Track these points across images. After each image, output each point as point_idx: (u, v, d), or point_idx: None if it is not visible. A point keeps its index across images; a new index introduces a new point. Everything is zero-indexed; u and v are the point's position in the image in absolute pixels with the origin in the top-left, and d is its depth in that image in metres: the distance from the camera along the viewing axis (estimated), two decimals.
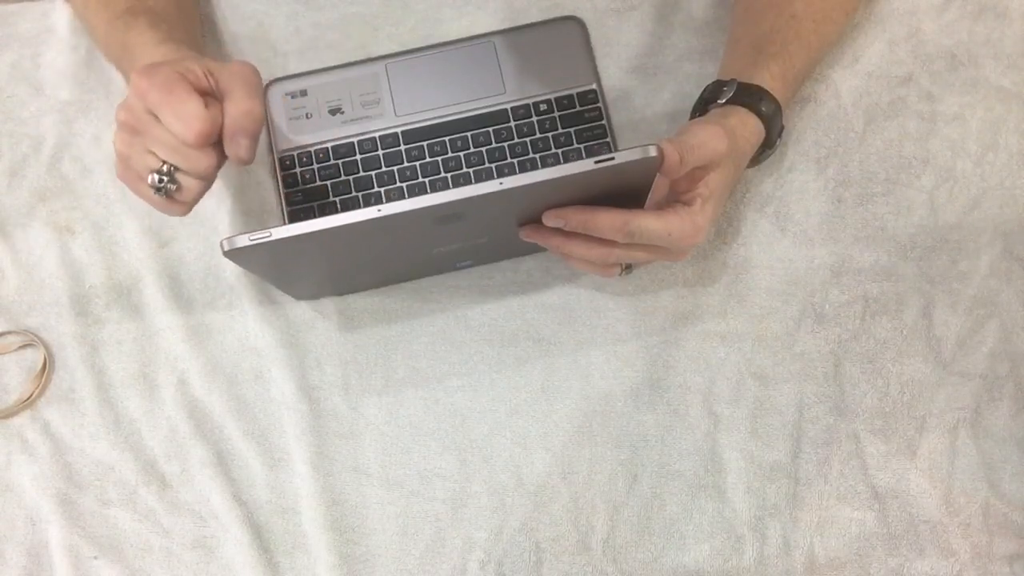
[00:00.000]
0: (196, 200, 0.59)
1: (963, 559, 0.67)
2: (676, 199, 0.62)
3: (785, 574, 0.67)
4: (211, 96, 0.58)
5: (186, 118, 0.54)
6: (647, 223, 0.59)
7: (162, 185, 0.57)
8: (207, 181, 0.59)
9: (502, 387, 0.71)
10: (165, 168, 0.57)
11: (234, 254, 0.53)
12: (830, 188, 0.74)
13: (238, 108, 0.57)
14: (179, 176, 0.57)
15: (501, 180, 0.52)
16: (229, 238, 0.52)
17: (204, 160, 0.56)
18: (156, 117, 0.56)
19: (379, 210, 0.51)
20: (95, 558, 0.68)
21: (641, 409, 0.70)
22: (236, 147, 0.57)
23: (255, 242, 0.52)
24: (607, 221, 0.59)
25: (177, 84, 0.55)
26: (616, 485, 0.69)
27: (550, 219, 0.60)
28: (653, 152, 0.52)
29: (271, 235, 0.52)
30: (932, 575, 0.67)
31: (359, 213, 0.52)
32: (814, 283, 0.72)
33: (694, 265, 0.72)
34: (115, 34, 0.66)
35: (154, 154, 0.57)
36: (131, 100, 0.56)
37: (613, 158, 0.51)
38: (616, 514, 0.68)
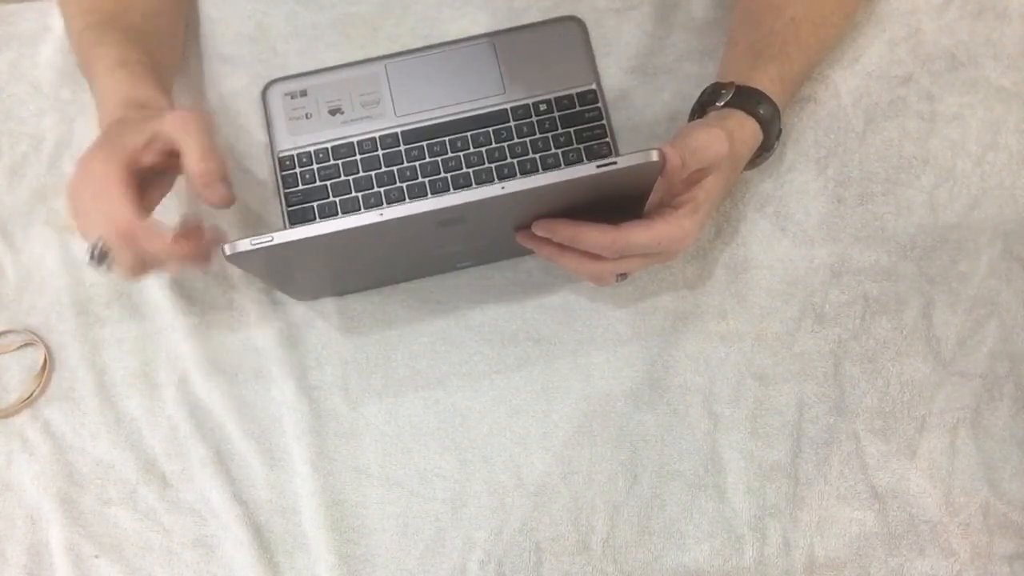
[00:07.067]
0: (133, 279, 0.61)
1: (963, 559, 0.67)
2: (668, 201, 0.62)
3: (785, 574, 0.67)
4: (160, 164, 0.59)
5: (111, 218, 0.57)
6: (635, 238, 0.59)
7: (96, 260, 0.58)
8: (136, 273, 0.60)
9: (502, 387, 0.71)
10: (100, 244, 0.58)
11: (236, 258, 0.53)
12: (830, 188, 0.74)
13: (193, 166, 0.58)
14: (111, 256, 0.59)
15: (503, 184, 0.52)
16: (231, 242, 0.52)
17: (126, 254, 0.58)
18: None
19: (381, 214, 0.51)
20: (96, 557, 0.68)
21: (641, 409, 0.70)
22: (211, 197, 0.59)
23: (256, 246, 0.52)
24: (595, 238, 0.59)
25: (112, 180, 0.57)
26: (616, 485, 0.69)
27: (539, 229, 0.60)
28: (655, 156, 0.52)
29: (273, 239, 0.52)
30: (932, 575, 0.67)
31: (361, 217, 0.52)
32: (814, 283, 0.72)
33: (694, 265, 0.72)
34: (83, 44, 0.67)
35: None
36: (75, 184, 0.58)
37: (615, 162, 0.51)
38: (616, 514, 0.68)
